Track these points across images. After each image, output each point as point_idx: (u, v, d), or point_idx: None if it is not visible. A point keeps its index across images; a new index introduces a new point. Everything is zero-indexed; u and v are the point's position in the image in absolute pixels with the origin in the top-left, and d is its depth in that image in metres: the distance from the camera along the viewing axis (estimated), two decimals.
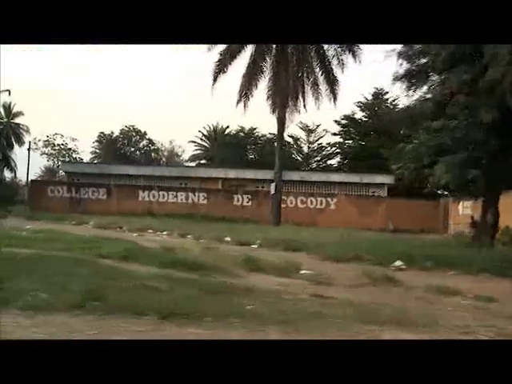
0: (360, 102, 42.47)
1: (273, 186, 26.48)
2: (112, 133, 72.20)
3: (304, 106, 26.73)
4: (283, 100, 25.48)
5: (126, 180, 36.31)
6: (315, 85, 26.50)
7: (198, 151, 66.90)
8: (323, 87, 26.82)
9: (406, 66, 14.64)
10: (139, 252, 10.82)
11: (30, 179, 41.05)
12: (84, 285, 6.73)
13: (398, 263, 11.83)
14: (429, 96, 14.43)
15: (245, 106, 26.81)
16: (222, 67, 26.30)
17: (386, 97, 43.27)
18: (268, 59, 26.57)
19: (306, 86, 26.66)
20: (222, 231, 20.36)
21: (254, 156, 55.85)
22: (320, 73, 26.08)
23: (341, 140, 44.73)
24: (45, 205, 32.47)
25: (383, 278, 9.79)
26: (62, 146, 69.51)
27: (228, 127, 62.85)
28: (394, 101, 43.10)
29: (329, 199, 32.63)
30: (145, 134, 73.82)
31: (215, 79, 26.39)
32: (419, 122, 14.91)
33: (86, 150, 74.32)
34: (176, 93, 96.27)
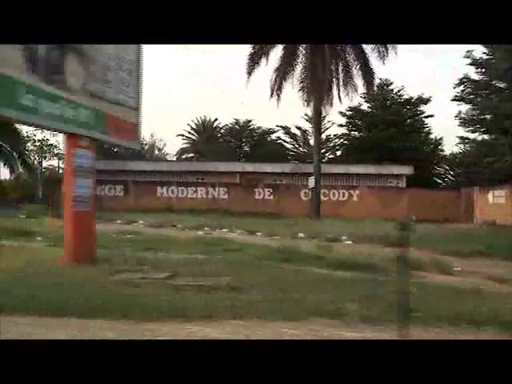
0: (365, 93, 42.62)
1: (312, 179, 26.37)
2: None
3: (339, 97, 26.69)
4: (320, 92, 25.32)
5: (141, 176, 35.56)
6: (349, 77, 26.43)
7: (187, 145, 66.14)
8: (355, 79, 26.75)
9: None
10: (288, 254, 10.54)
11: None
12: (334, 294, 6.45)
13: None
14: None
15: (278, 99, 26.59)
16: (256, 60, 25.98)
17: (390, 87, 43.64)
18: (302, 51, 26.30)
19: (340, 77, 26.56)
20: (279, 226, 20.21)
21: (249, 149, 55.46)
22: (356, 64, 25.98)
23: (346, 131, 44.93)
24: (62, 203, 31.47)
25: None
26: (44, 142, 67.71)
27: (216, 120, 62.24)
28: (398, 91, 43.55)
29: (351, 191, 32.72)
30: None
31: (250, 73, 26.07)
32: None
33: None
34: (159, 86, 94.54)
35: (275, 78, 26.45)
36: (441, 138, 45.76)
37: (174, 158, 63.71)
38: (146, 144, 75.57)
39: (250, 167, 36.25)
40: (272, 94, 26.63)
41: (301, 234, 17.72)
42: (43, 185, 35.26)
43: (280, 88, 26.45)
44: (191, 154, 64.04)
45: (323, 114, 27.08)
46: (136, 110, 9.08)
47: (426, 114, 43.38)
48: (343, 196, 32.67)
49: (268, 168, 35.84)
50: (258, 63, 25.96)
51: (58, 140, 66.08)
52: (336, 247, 13.45)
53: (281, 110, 74.61)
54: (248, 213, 30.33)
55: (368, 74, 25.95)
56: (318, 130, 27.24)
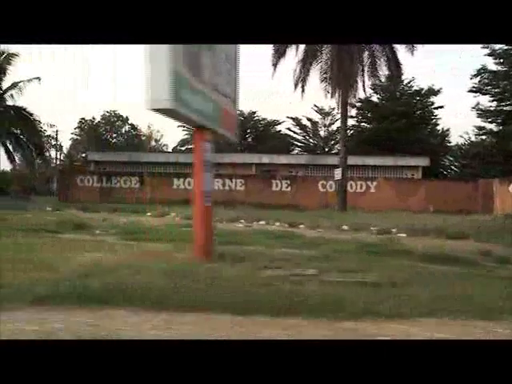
0: (375, 84, 42.57)
1: (338, 171, 26.32)
2: (93, 119, 70.46)
3: (363, 88, 26.68)
4: (347, 83, 25.22)
5: (154, 168, 35.31)
6: (374, 68, 26.37)
7: (187, 136, 66.00)
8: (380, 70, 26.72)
9: None
10: (374, 247, 10.45)
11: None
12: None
13: None
14: None
15: (303, 91, 26.49)
16: (280, 53, 25.83)
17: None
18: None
19: (365, 68, 26.50)
20: (316, 218, 20.12)
21: (252, 139, 55.31)
22: (384, 56, 25.91)
23: (356, 123, 44.95)
24: (76, 195, 31.27)
25: None
26: (40, 133, 67.19)
27: None
28: (408, 83, 43.59)
29: (369, 183, 32.73)
30: (127, 119, 72.27)
31: (275, 65, 25.91)
32: None
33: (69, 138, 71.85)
34: None
35: (300, 70, 26.31)
36: (448, 130, 46.05)
37: (170, 150, 63.59)
38: (141, 135, 75.47)
39: (265, 159, 36.13)
40: (296, 85, 26.50)
41: (344, 227, 17.66)
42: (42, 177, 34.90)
43: (304, 79, 26.32)
44: (192, 146, 64.01)
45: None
46: (234, 102, 8.96)
47: (435, 106, 43.49)
48: (361, 187, 32.67)
49: (284, 159, 35.77)
50: (283, 55, 25.79)
51: (54, 131, 65.67)
52: (398, 240, 13.39)
53: (286, 102, 74.03)
54: (266, 205, 30.21)
55: (394, 65, 25.91)
56: (345, 121, 27.13)
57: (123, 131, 73.03)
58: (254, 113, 55.01)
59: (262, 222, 19.87)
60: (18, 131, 29.08)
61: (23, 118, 27.94)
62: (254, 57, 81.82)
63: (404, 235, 15.28)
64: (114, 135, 71.90)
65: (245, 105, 69.33)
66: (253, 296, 5.31)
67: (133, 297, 5.22)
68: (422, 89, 42.77)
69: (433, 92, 42.66)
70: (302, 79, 26.29)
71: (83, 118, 69.71)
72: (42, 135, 30.93)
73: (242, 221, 20.24)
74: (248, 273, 6.35)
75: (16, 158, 31.26)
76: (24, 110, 28.27)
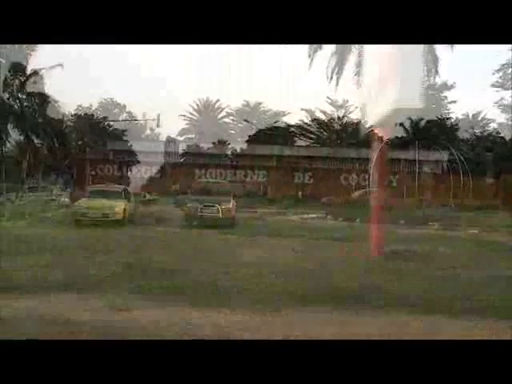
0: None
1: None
2: (91, 106, 69.21)
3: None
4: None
5: (175, 158, 34.87)
6: None
7: (188, 125, 65.63)
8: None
9: None
10: (490, 246, 10.44)
11: None
12: None
13: None
14: None
15: (337, 84, 26.39)
16: (316, 46, 25.63)
17: None
18: None
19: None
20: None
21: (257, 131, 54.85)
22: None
23: None
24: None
25: None
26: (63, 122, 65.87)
27: (218, 101, 61.71)
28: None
29: (390, 177, 32.60)
30: (124, 107, 71.31)
31: (312, 58, 25.74)
32: None
33: None
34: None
35: (336, 62, 26.16)
36: (457, 124, 46.15)
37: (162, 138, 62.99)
38: (138, 123, 74.56)
39: (287, 151, 35.89)
40: (331, 78, 26.37)
41: (401, 221, 17.66)
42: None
43: (340, 71, 26.18)
44: (192, 135, 63.49)
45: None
46: None
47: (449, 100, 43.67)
48: None
49: (304, 152, 35.60)
50: (320, 47, 25.60)
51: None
52: (481, 236, 13.41)
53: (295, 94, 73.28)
54: (288, 196, 30.14)
55: (432, 59, 25.89)
56: None
57: (120, 119, 72.05)
58: (261, 103, 54.79)
59: (313, 215, 19.75)
60: (40, 119, 28.38)
61: (48, 106, 27.35)
62: (257, 51, 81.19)
63: (476, 231, 15.28)
64: (112, 123, 70.90)
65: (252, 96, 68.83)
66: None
67: (393, 297, 5.11)
68: (436, 83, 42.86)
69: (446, 87, 42.83)
70: (337, 71, 26.14)
71: (80, 105, 68.48)
72: (64, 123, 30.12)
73: (289, 214, 20.08)
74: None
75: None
76: (48, 97, 27.67)
